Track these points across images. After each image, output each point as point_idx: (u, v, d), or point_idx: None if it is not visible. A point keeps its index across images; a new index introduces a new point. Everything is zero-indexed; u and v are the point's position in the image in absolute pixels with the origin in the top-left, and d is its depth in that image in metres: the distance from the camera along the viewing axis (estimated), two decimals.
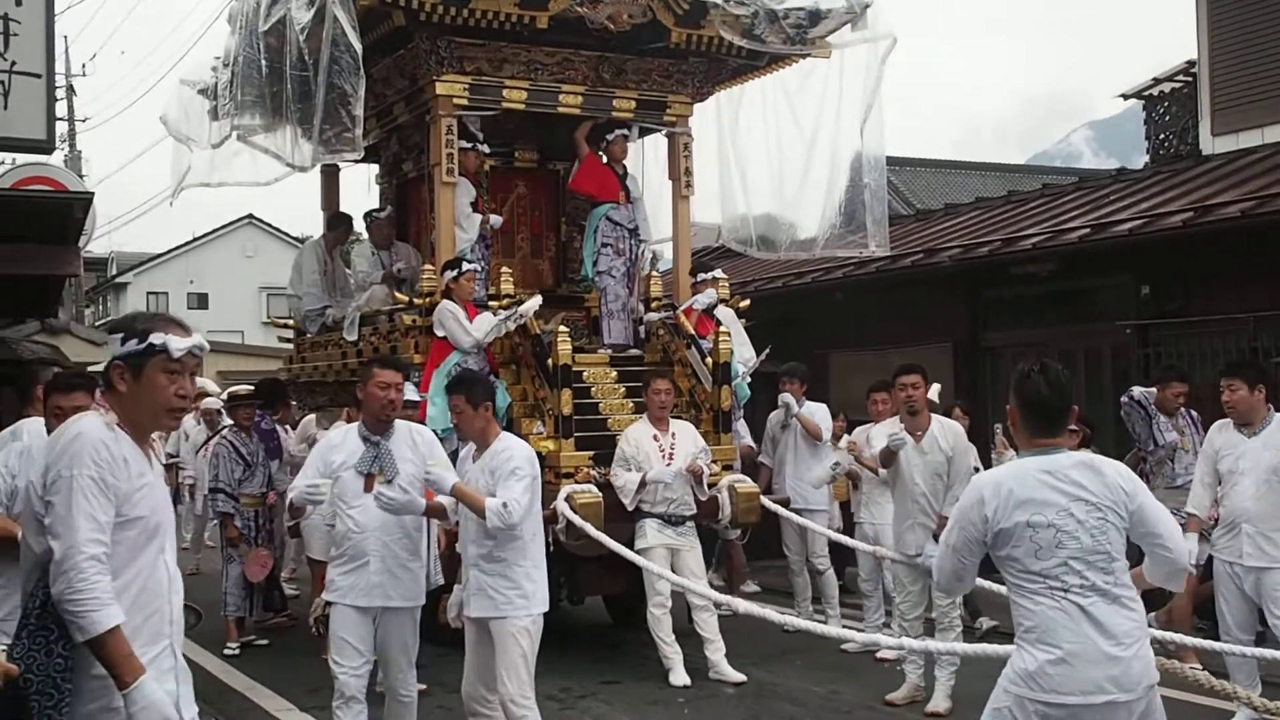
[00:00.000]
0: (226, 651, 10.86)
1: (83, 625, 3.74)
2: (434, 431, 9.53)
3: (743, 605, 8.16)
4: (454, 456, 7.67)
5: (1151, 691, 4.65)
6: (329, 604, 6.85)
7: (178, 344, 4.05)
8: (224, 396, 14.59)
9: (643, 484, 9.61)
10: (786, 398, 11.61)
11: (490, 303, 10.56)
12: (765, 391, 12.92)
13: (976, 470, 8.72)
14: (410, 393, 9.24)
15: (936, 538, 8.64)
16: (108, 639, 3.76)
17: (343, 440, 6.95)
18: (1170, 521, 4.82)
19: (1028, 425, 4.79)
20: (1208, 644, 7.38)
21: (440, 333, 10.25)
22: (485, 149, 11.22)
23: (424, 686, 8.44)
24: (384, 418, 6.81)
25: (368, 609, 6.71)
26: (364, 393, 6.91)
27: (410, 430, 7.01)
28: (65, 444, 3.91)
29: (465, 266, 10.38)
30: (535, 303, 10.42)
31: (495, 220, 11.41)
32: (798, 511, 11.09)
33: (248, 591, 11.21)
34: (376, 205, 12.65)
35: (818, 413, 11.82)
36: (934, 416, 8.98)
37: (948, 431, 8.85)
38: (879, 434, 9.39)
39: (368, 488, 6.69)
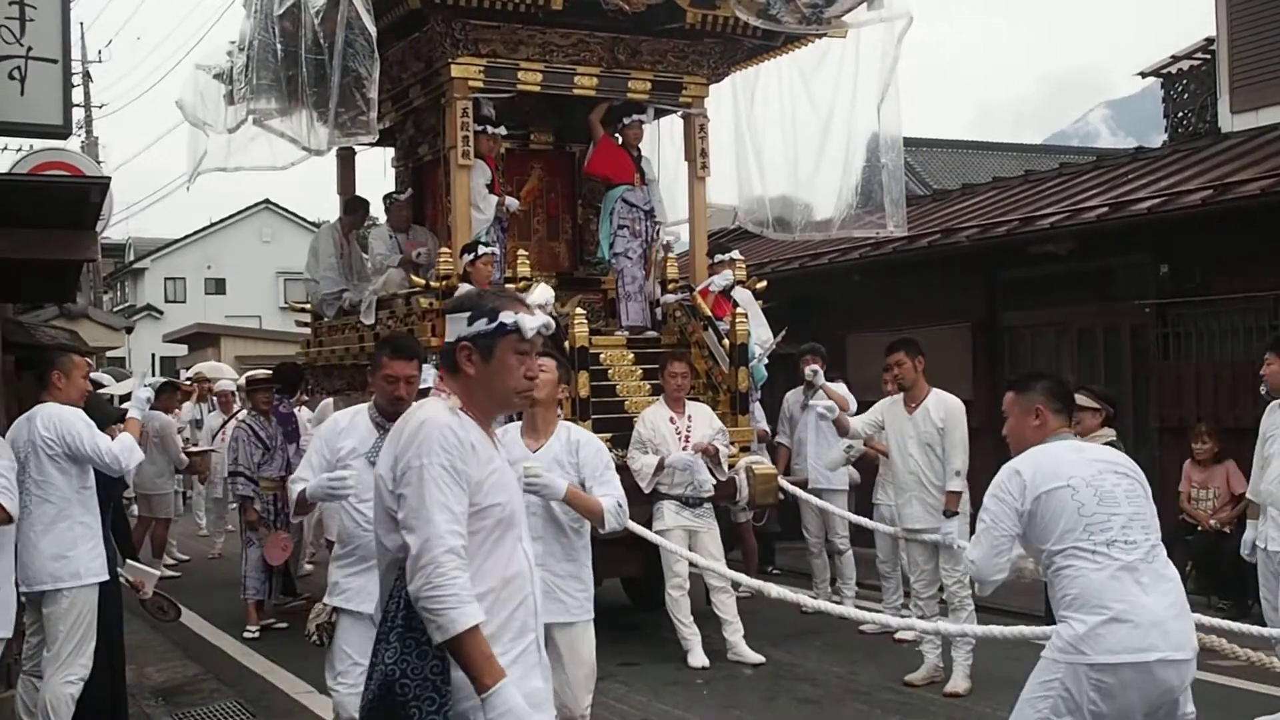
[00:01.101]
0: (246, 634, 10.90)
1: (441, 624, 3.51)
2: None
3: (756, 584, 8.18)
4: None
5: (1194, 660, 4.76)
6: (335, 610, 6.13)
7: (530, 323, 3.84)
8: (242, 381, 14.66)
9: (660, 467, 9.61)
10: (815, 369, 11.60)
11: (507, 286, 10.54)
12: (782, 373, 12.92)
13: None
14: (428, 379, 9.24)
15: (946, 515, 8.71)
16: (466, 639, 3.51)
17: (350, 424, 6.21)
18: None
19: (1058, 416, 5.07)
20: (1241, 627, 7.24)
21: None
22: (501, 131, 11.20)
23: None
24: (395, 412, 6.13)
25: (376, 616, 6.20)
26: (374, 381, 6.31)
27: None
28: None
29: (482, 250, 10.36)
30: (543, 294, 10.34)
31: (512, 203, 11.39)
32: (817, 492, 11.09)
33: (267, 575, 11.26)
34: (393, 189, 12.65)
35: (838, 391, 11.84)
36: (933, 390, 9.01)
37: (941, 404, 8.92)
38: (881, 403, 9.58)
39: None
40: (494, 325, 3.79)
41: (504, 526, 3.76)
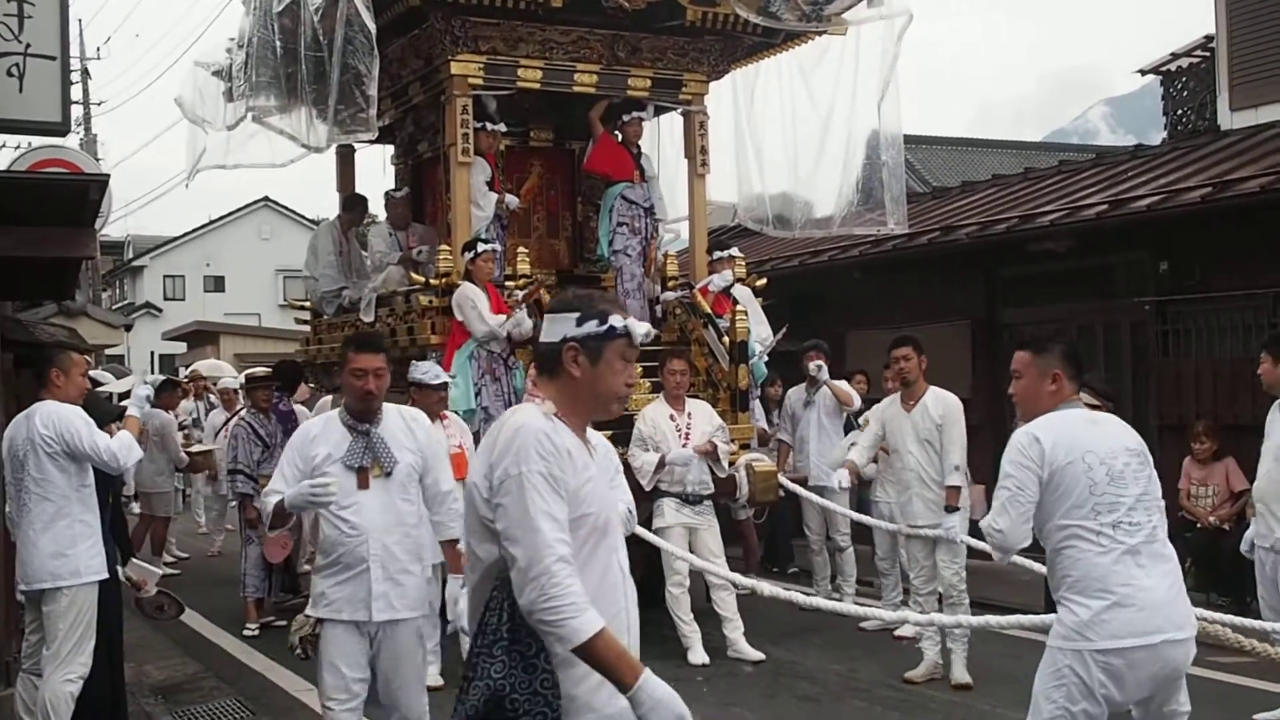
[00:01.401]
0: (246, 632, 10.90)
1: (563, 635, 3.40)
2: (455, 412, 9.60)
3: (750, 582, 8.19)
4: (476, 437, 7.49)
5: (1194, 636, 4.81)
6: (319, 621, 5.93)
7: (639, 329, 3.74)
8: (242, 379, 14.65)
9: (661, 464, 9.60)
10: (819, 364, 11.59)
11: (507, 283, 10.53)
12: (782, 371, 12.92)
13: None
14: (440, 375, 9.25)
15: (947, 510, 8.74)
16: (596, 643, 3.40)
17: (322, 431, 5.97)
18: None
19: (1074, 381, 5.01)
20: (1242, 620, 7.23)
21: (459, 316, 10.24)
22: (501, 128, 11.19)
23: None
24: (365, 408, 5.91)
25: (366, 625, 5.83)
26: (343, 380, 6.06)
27: (402, 414, 6.14)
28: (507, 440, 3.57)
29: (482, 247, 10.34)
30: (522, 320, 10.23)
31: (512, 201, 11.37)
32: (819, 490, 11.10)
33: (267, 572, 11.25)
34: (392, 186, 12.64)
35: (842, 388, 11.87)
36: (931, 388, 9.05)
37: (940, 401, 8.96)
38: (877, 410, 9.66)
39: (363, 484, 5.82)
40: (605, 328, 3.69)
41: (598, 536, 3.66)
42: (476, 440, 7.41)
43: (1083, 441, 4.81)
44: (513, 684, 3.45)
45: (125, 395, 12.82)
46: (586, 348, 3.68)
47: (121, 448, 7.02)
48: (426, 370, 9.17)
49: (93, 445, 6.89)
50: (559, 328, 3.72)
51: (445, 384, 9.20)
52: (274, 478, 5.99)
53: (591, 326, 3.68)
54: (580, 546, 3.56)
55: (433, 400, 8.96)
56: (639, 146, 11.77)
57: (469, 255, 10.30)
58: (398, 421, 6.01)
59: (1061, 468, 4.75)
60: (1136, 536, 4.72)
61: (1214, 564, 10.66)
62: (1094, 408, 8.25)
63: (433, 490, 6.03)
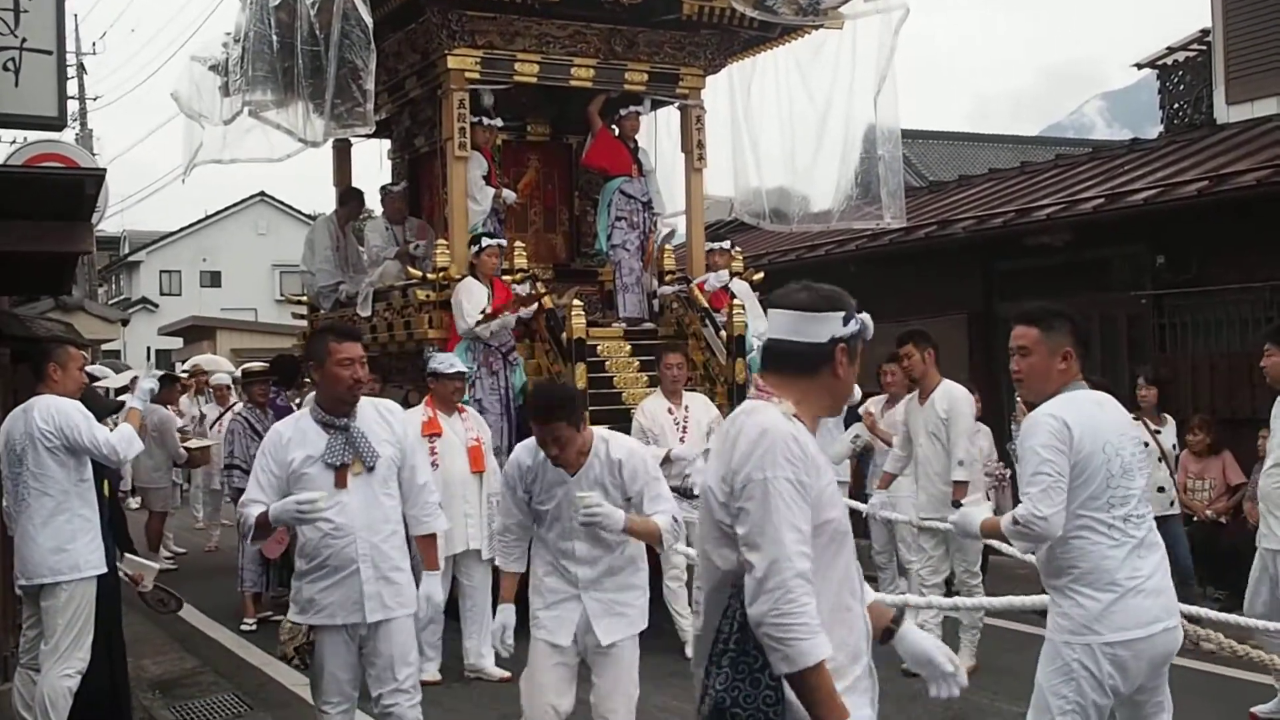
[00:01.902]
0: (244, 627, 10.89)
1: (789, 654, 3.22)
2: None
3: None
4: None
5: None
6: (312, 629, 5.71)
7: (870, 325, 3.59)
8: (238, 373, 14.65)
9: (666, 459, 9.60)
10: None
11: (504, 277, 10.53)
12: None
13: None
14: (456, 364, 9.26)
15: (955, 505, 8.74)
16: (819, 671, 3.24)
17: (295, 432, 5.71)
18: None
19: (1082, 360, 4.94)
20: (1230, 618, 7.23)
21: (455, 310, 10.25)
22: (497, 123, 11.19)
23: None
24: (351, 400, 5.69)
25: (357, 628, 5.63)
26: (322, 373, 5.71)
27: (376, 407, 5.89)
28: (751, 442, 3.38)
29: (487, 242, 10.34)
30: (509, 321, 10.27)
31: (509, 196, 11.38)
32: None
33: (264, 567, 11.25)
34: (389, 180, 12.64)
35: None
36: (944, 382, 9.04)
37: (946, 395, 8.94)
38: (874, 403, 9.88)
39: (340, 482, 5.58)
40: (860, 326, 3.56)
41: (839, 541, 3.50)
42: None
43: (1102, 430, 4.77)
44: (734, 697, 3.30)
45: (122, 390, 12.83)
46: (850, 347, 3.56)
47: (122, 441, 7.01)
48: (442, 360, 9.22)
49: (92, 439, 6.87)
50: (824, 327, 3.53)
51: (461, 373, 9.23)
52: (250, 486, 5.76)
53: (853, 326, 3.55)
54: (821, 553, 3.41)
55: (450, 389, 9.01)
56: (636, 141, 11.78)
57: (474, 249, 10.31)
58: (373, 414, 5.81)
59: (1086, 456, 4.70)
60: (1142, 529, 4.74)
61: (1210, 557, 10.67)
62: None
63: (409, 483, 5.86)
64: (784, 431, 3.38)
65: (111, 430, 7.15)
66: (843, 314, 3.53)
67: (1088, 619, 4.66)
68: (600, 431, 5.87)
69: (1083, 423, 4.75)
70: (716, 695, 3.31)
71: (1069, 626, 4.71)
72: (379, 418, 5.80)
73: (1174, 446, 9.71)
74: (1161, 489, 9.77)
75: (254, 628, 10.90)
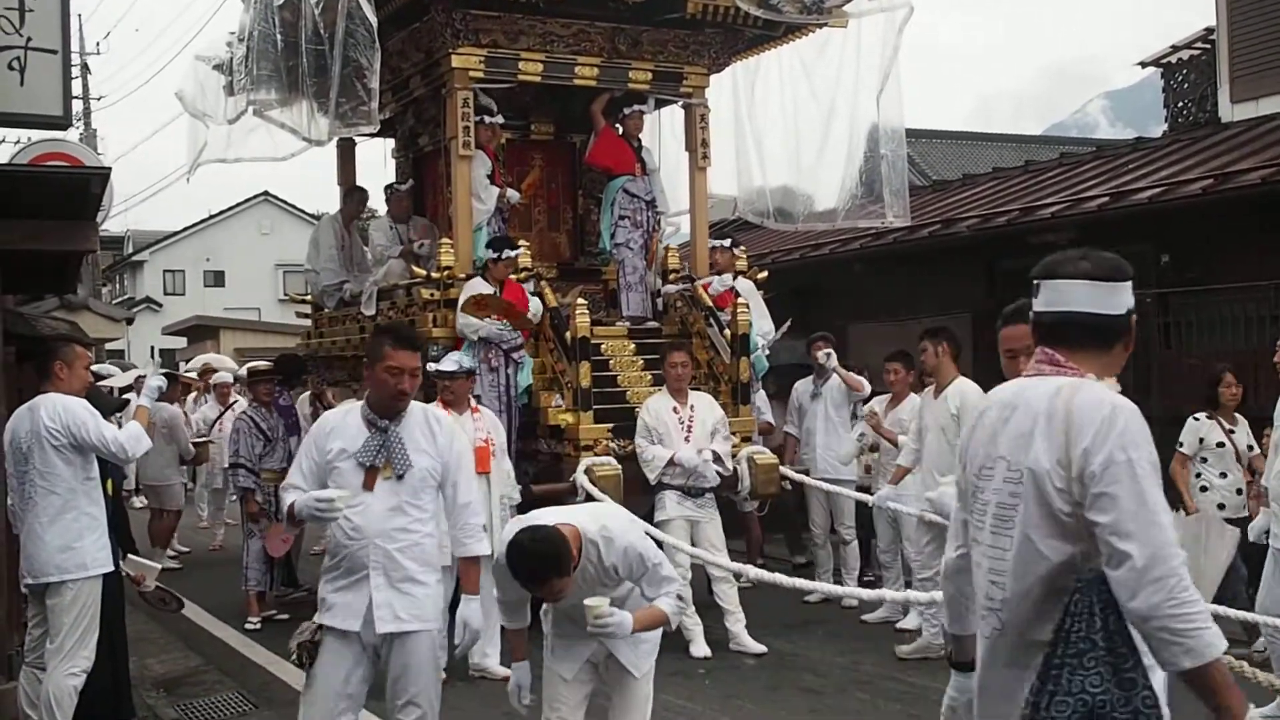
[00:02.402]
0: (248, 626, 10.89)
1: (1193, 647, 3.00)
2: None
3: (736, 566, 8.24)
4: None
5: None
6: (320, 628, 5.50)
7: None
8: (243, 372, 14.66)
9: (671, 462, 9.60)
10: (829, 352, 11.55)
11: (511, 275, 10.51)
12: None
13: None
14: (464, 362, 9.26)
15: None
16: (1219, 664, 3.03)
17: (341, 424, 5.58)
18: None
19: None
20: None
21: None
22: (499, 120, 11.18)
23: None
24: (396, 407, 5.51)
25: (365, 636, 5.42)
26: (371, 375, 5.57)
27: (426, 415, 5.67)
28: (1104, 421, 3.19)
29: (508, 253, 10.35)
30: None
31: (513, 195, 11.37)
32: (834, 483, 11.06)
33: (268, 566, 11.26)
34: (393, 179, 12.64)
35: (852, 376, 11.84)
36: (959, 379, 9.06)
37: (958, 393, 8.96)
38: (878, 401, 9.99)
39: (368, 484, 5.43)
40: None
41: None
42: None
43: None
44: (1112, 700, 3.08)
45: (126, 389, 12.84)
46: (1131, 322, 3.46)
47: (130, 438, 7.02)
48: (447, 359, 9.23)
49: (99, 437, 6.88)
50: (1122, 298, 3.44)
51: (470, 370, 9.24)
52: (291, 471, 5.72)
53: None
54: None
55: (460, 388, 9.01)
56: (640, 140, 11.78)
57: (490, 253, 10.32)
58: (420, 421, 5.59)
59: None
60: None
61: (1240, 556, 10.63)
62: None
63: (451, 501, 5.65)
64: (1133, 408, 3.24)
65: (119, 428, 7.16)
66: (1129, 282, 3.42)
67: None
68: (589, 533, 5.33)
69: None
70: (1093, 699, 3.09)
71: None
72: (425, 426, 5.59)
73: (1249, 448, 9.57)
74: (1239, 490, 9.62)
75: (258, 626, 10.91)
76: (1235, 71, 14.82)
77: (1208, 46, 16.36)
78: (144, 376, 7.88)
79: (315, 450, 5.55)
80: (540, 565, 5.09)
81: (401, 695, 5.47)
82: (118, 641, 7.59)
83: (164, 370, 12.43)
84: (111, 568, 7.15)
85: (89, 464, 6.99)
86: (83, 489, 6.94)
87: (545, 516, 5.39)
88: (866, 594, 8.91)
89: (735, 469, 10.05)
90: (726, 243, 11.78)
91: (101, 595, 7.06)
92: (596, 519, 5.44)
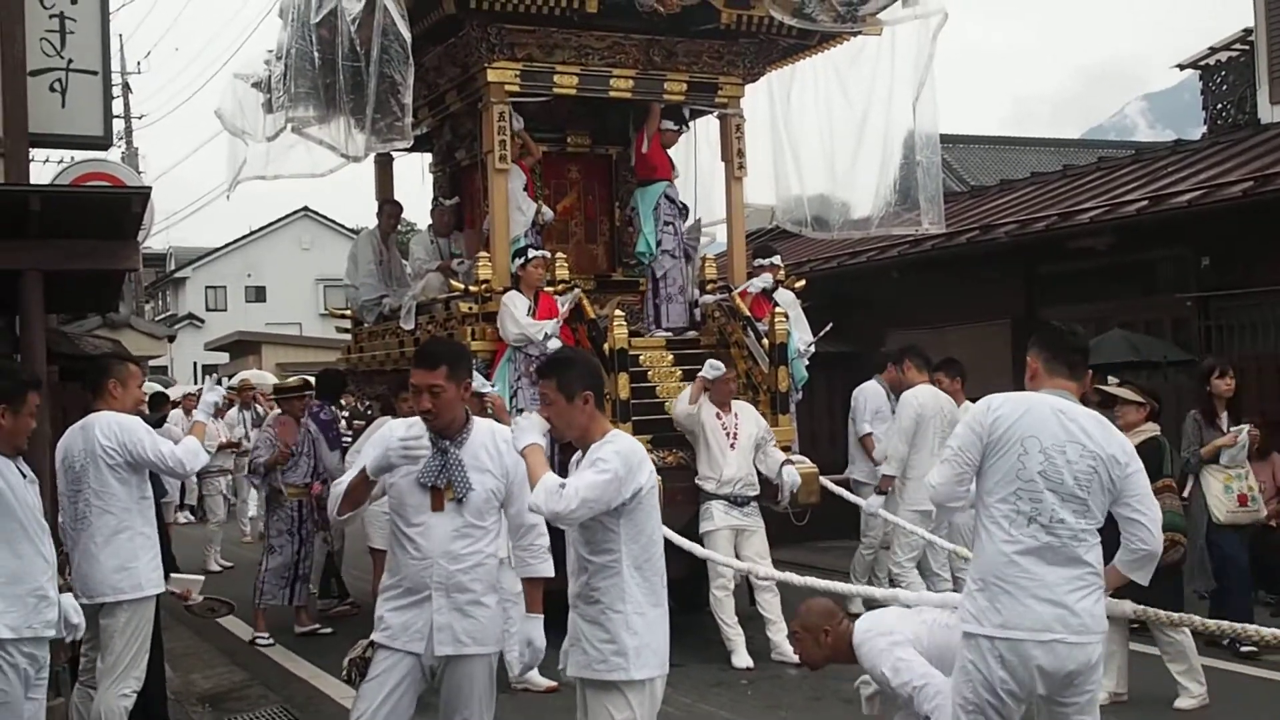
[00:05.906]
0: (259, 643, 10.81)
1: None
2: None
3: (780, 575, 8.27)
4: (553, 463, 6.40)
5: (1100, 643, 4.77)
6: (372, 645, 5.38)
7: None
8: (269, 389, 14.84)
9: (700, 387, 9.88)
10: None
11: (546, 288, 10.53)
12: (822, 372, 12.80)
13: None
14: (480, 384, 9.23)
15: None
16: None
17: (408, 435, 5.33)
18: (1155, 507, 4.92)
19: (1048, 368, 4.98)
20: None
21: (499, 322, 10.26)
22: (519, 125, 11.06)
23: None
24: (436, 426, 5.31)
25: (424, 658, 5.29)
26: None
27: (493, 432, 5.48)
28: None
29: (533, 253, 10.35)
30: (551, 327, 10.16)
31: (547, 214, 11.37)
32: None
33: (286, 582, 11.16)
34: (431, 194, 12.69)
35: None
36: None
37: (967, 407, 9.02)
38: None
39: (437, 505, 5.29)
40: None
41: None
42: (554, 465, 7.05)
43: (1038, 423, 4.89)
44: None
45: (173, 405, 12.91)
46: None
47: (188, 454, 6.97)
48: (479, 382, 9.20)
49: (157, 453, 6.83)
50: None
51: (483, 395, 9.09)
52: (357, 460, 5.56)
53: None
54: None
55: (479, 409, 8.97)
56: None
57: (519, 262, 10.33)
58: (485, 441, 5.42)
59: (1001, 438, 4.87)
60: (1059, 537, 4.77)
61: (1262, 561, 10.56)
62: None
63: (516, 521, 5.48)
64: None
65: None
66: None
67: (977, 612, 4.74)
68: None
69: (1010, 414, 4.81)
70: None
71: (963, 618, 4.80)
72: (490, 446, 5.41)
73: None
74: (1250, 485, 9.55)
75: (270, 643, 10.81)
76: (1274, 73, 14.73)
77: (1246, 48, 16.26)
78: (203, 390, 7.84)
79: (382, 443, 5.32)
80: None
81: (453, 715, 5.40)
82: (153, 657, 7.58)
83: (224, 386, 12.51)
84: (164, 588, 7.12)
85: (144, 483, 6.95)
86: (138, 508, 6.88)
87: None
88: (908, 596, 8.88)
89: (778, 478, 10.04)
90: (773, 260, 11.53)
91: None
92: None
